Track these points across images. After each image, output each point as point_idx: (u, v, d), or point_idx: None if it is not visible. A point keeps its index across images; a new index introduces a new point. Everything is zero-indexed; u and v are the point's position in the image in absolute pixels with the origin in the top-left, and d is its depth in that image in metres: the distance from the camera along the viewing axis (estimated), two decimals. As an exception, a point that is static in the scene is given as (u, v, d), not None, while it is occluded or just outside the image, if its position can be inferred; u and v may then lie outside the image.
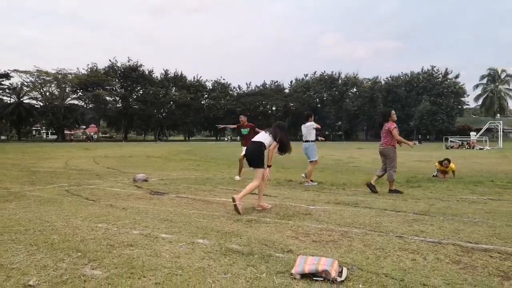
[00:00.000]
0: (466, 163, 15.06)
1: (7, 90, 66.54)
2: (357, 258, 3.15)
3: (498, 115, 65.44)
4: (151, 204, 5.68)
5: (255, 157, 5.31)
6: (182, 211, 5.10)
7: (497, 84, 73.32)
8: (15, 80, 70.25)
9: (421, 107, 67.69)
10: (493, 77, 73.20)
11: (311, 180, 8.31)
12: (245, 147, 9.54)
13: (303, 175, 8.48)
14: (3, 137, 71.83)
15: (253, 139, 5.53)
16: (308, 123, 8.63)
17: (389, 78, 77.59)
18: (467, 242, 3.64)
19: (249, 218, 4.68)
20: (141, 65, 73.93)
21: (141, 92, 75.33)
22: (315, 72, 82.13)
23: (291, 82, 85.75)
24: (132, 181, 8.40)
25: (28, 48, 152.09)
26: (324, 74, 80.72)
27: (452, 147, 34.81)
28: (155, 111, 73.94)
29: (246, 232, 3.97)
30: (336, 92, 79.05)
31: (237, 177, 9.26)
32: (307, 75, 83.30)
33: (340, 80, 79.79)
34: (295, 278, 2.67)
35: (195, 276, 2.69)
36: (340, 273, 2.72)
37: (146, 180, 8.45)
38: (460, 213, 5.04)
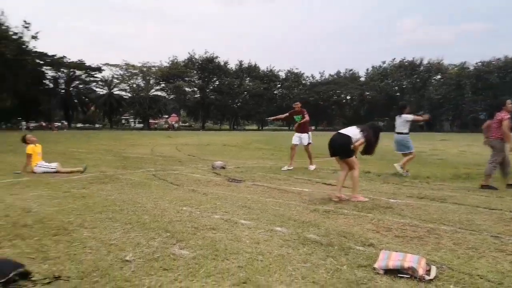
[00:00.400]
0: None
1: (100, 82, 73.80)
2: (446, 257, 2.94)
3: None
4: (229, 190, 5.88)
5: (345, 149, 5.28)
6: (259, 199, 5.21)
7: None
8: (106, 73, 77.42)
9: (518, 94, 60.53)
10: None
11: (407, 171, 8.03)
12: (298, 133, 9.31)
13: (398, 168, 7.98)
14: (97, 125, 79.90)
15: (341, 131, 5.43)
16: (404, 115, 8.31)
17: (479, 64, 70.35)
18: None
19: (326, 209, 4.62)
20: (217, 57, 76.51)
21: (217, 83, 78.06)
22: (394, 58, 77.63)
23: (367, 70, 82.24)
24: (211, 168, 8.79)
25: (117, 42, 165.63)
26: (404, 60, 75.94)
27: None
28: (230, 101, 76.22)
29: (324, 223, 3.93)
30: (418, 80, 74.01)
31: (311, 167, 9.16)
32: (384, 62, 79.09)
33: (422, 67, 74.48)
34: (378, 273, 2.58)
35: (275, 262, 2.74)
36: (428, 272, 2.56)
37: (223, 168, 8.77)
38: None
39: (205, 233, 3.45)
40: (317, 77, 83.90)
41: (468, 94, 67.12)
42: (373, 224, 3.96)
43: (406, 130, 8.27)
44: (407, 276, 2.52)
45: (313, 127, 9.39)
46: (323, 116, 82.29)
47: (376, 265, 2.66)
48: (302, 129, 9.43)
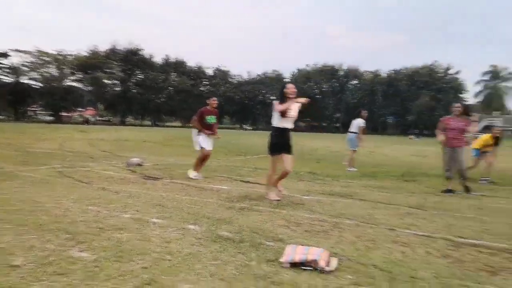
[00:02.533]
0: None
1: (6, 70, 66.08)
2: (347, 249, 3.15)
3: (498, 112, 65.21)
4: (144, 188, 5.66)
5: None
6: (175, 197, 5.08)
7: (498, 81, 73.02)
8: (15, 60, 69.50)
9: (420, 101, 67.55)
10: (494, 74, 72.85)
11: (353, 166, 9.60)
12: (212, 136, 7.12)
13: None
14: (1, 117, 71.45)
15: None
16: (358, 120, 9.92)
17: (391, 72, 77.18)
18: (458, 237, 3.64)
19: (242, 206, 4.67)
20: (141, 49, 73.31)
21: (140, 76, 74.77)
22: (317, 62, 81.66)
23: (293, 72, 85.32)
24: (126, 165, 8.37)
25: (33, 28, 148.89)
26: (325, 65, 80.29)
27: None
28: (153, 96, 73.50)
29: (238, 220, 3.96)
30: (337, 84, 78.72)
31: (194, 174, 7.14)
32: (308, 65, 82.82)
33: (341, 72, 79.41)
34: (284, 267, 2.66)
35: (184, 261, 2.68)
36: (329, 263, 2.71)
37: (140, 165, 8.42)
38: (453, 208, 5.05)
39: (111, 233, 3.25)
40: (245, 76, 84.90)
41: (380, 100, 73.20)
42: (285, 220, 4.10)
43: (356, 130, 9.89)
44: (310, 268, 2.64)
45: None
46: (249, 115, 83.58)
47: (282, 259, 2.74)
48: (213, 132, 7.41)
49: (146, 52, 74.37)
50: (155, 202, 4.64)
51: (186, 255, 2.81)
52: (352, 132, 10.00)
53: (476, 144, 8.67)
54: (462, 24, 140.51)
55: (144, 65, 73.75)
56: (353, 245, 3.25)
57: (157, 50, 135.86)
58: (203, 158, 7.23)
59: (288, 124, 5.17)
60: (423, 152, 18.06)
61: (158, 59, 77.03)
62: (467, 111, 6.85)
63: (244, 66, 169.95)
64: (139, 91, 72.48)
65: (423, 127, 70.79)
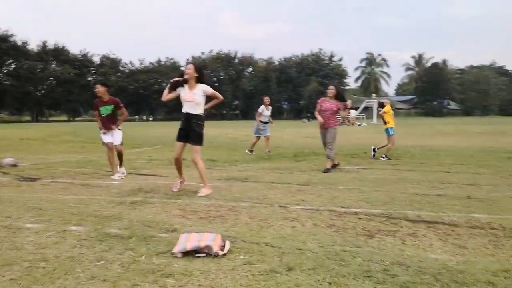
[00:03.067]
0: (346, 138, 16.64)
1: None
2: (241, 230, 3.19)
3: (374, 95, 73.52)
4: (18, 191, 4.97)
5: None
6: (57, 197, 4.58)
7: (373, 67, 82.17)
8: None
9: (309, 87, 72.51)
10: (370, 60, 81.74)
11: (251, 151, 9.80)
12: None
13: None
14: None
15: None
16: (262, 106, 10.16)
17: (282, 59, 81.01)
18: (341, 207, 3.99)
19: (134, 200, 4.41)
20: (12, 35, 63.94)
21: (13, 66, 65.44)
22: (212, 50, 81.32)
23: (187, 59, 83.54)
24: (-4, 167, 7.27)
25: None
26: (221, 52, 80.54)
27: (336, 124, 37.91)
28: (31, 88, 65.12)
29: (129, 215, 3.73)
30: (233, 71, 79.75)
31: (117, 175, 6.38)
32: (203, 53, 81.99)
33: (236, 60, 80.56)
34: (176, 257, 2.57)
35: (62, 267, 2.40)
36: (222, 247, 2.70)
37: (15, 165, 7.40)
38: (337, 182, 5.53)
39: (-30, 247, 2.77)
40: (137, 64, 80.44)
41: (274, 86, 76.49)
42: (180, 209, 3.99)
43: (260, 118, 10.12)
44: (203, 255, 2.60)
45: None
46: (146, 106, 79.97)
47: (174, 249, 2.65)
48: (106, 126, 6.39)
49: (18, 38, 65.06)
50: (30, 206, 4.10)
51: (65, 260, 2.53)
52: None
53: (386, 123, 8.98)
54: (343, 13, 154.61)
55: (17, 53, 64.61)
56: (247, 226, 3.31)
57: (33, 36, 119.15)
58: (111, 154, 6.39)
59: (189, 108, 4.78)
60: (312, 133, 19.42)
61: (33, 46, 68.12)
62: (340, 94, 7.23)
63: (136, 55, 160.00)
64: (12, 83, 63.41)
65: (314, 110, 76.31)
